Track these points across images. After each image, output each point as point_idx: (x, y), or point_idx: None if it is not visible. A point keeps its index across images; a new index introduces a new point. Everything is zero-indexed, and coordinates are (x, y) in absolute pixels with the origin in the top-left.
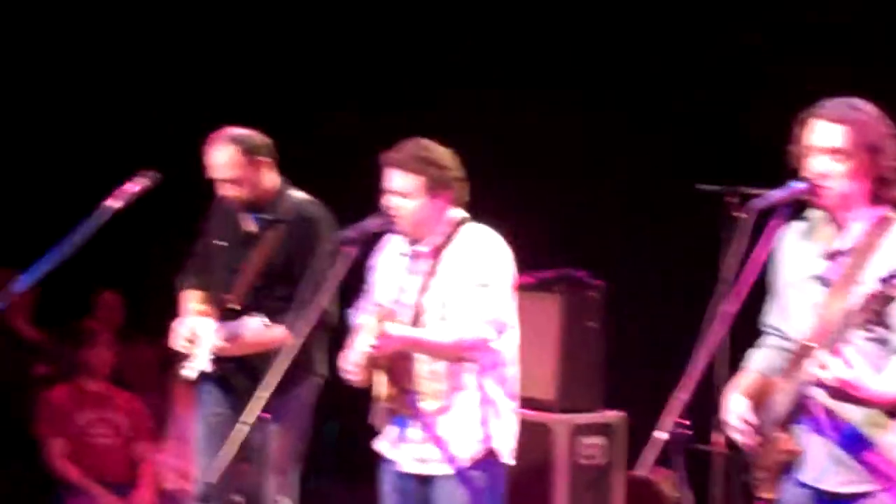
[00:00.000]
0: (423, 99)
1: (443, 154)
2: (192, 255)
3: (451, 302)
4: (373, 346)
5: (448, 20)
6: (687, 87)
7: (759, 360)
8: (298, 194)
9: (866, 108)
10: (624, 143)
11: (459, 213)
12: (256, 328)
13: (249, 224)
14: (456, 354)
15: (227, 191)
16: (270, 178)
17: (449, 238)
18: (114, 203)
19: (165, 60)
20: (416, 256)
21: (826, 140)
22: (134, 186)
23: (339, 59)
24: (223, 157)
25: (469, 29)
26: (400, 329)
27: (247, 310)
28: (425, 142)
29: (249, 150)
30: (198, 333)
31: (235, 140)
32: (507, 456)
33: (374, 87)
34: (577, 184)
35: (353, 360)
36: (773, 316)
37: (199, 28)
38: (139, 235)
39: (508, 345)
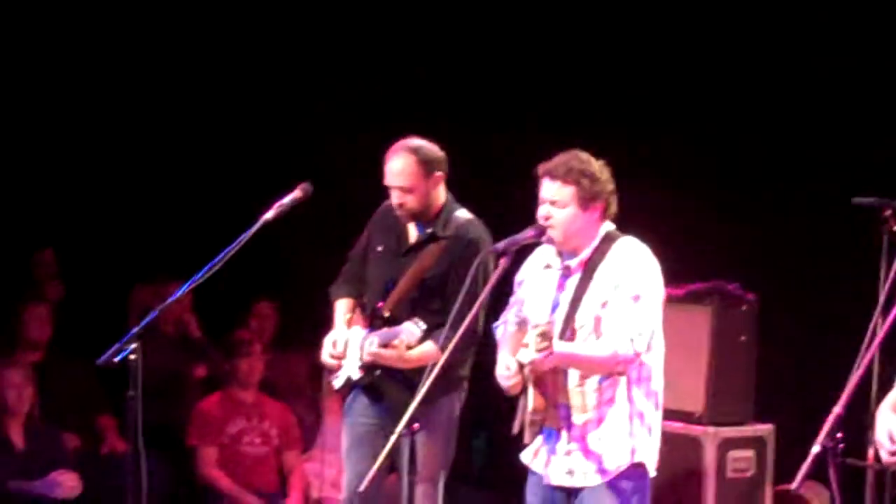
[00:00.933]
0: (575, 120)
1: (597, 166)
2: (348, 261)
3: (603, 316)
4: (533, 361)
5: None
6: (843, 99)
7: None
8: (463, 212)
9: None
10: (779, 154)
11: (610, 226)
12: (412, 335)
13: (413, 235)
14: (608, 370)
15: (398, 199)
16: (440, 193)
17: (600, 251)
18: (269, 214)
19: (324, 75)
20: (567, 270)
21: None
22: (289, 198)
23: (507, 79)
24: (401, 165)
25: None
26: (561, 345)
27: (398, 320)
28: (581, 153)
29: (427, 162)
30: (348, 343)
31: (415, 150)
32: (652, 468)
33: (541, 108)
34: (731, 195)
35: (510, 372)
36: None
37: (362, 44)
38: (294, 245)
39: (656, 358)
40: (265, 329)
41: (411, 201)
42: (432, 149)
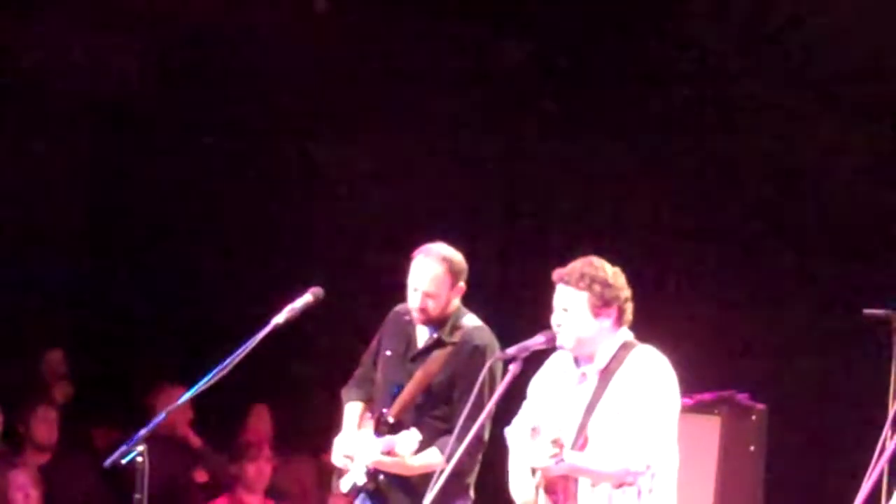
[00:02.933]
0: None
1: (610, 272)
2: (361, 364)
3: (617, 427)
4: (544, 469)
5: None
6: (849, 213)
7: None
8: (471, 318)
9: None
10: (790, 267)
11: (626, 333)
12: (409, 445)
13: (421, 340)
14: (619, 480)
15: (420, 303)
16: (456, 302)
17: (617, 360)
18: (281, 318)
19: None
20: (583, 377)
21: None
22: (300, 302)
23: None
24: (432, 271)
25: None
26: (572, 455)
27: (403, 426)
28: (595, 259)
29: (455, 273)
30: (356, 447)
31: (447, 259)
32: None
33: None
34: (740, 307)
35: (524, 483)
36: None
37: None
38: (302, 348)
39: (670, 470)
40: (264, 431)
41: (433, 307)
42: (460, 259)
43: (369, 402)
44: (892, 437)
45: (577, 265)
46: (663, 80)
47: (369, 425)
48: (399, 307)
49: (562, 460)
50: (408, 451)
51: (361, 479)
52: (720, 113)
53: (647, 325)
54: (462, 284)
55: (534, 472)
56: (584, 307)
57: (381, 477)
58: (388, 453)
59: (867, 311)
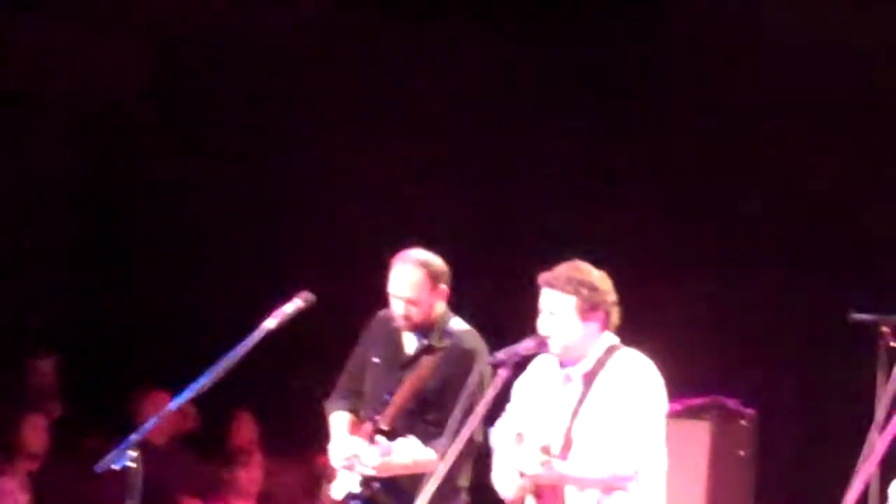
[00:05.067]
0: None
1: (596, 276)
2: (345, 372)
3: (603, 430)
4: (532, 476)
5: None
6: (840, 217)
7: None
8: (458, 322)
9: None
10: (778, 270)
11: (612, 337)
12: (408, 450)
13: (409, 346)
14: (608, 486)
15: (404, 310)
16: (440, 305)
17: (601, 363)
18: (272, 323)
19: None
20: (567, 380)
21: None
22: (290, 306)
23: None
24: (411, 277)
25: None
26: (561, 465)
27: (397, 432)
28: (580, 263)
29: (434, 276)
30: (353, 453)
31: (425, 263)
32: None
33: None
34: (731, 310)
35: (510, 481)
36: None
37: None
38: (287, 354)
39: (658, 473)
40: (248, 437)
41: (416, 313)
42: (439, 262)
43: (355, 413)
44: (879, 441)
45: (564, 269)
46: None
47: (361, 434)
48: (382, 313)
49: (551, 468)
50: (408, 458)
51: (356, 487)
52: (717, 120)
53: (635, 330)
54: (444, 287)
55: (521, 474)
56: (572, 311)
57: (376, 484)
58: (384, 461)
59: (854, 315)
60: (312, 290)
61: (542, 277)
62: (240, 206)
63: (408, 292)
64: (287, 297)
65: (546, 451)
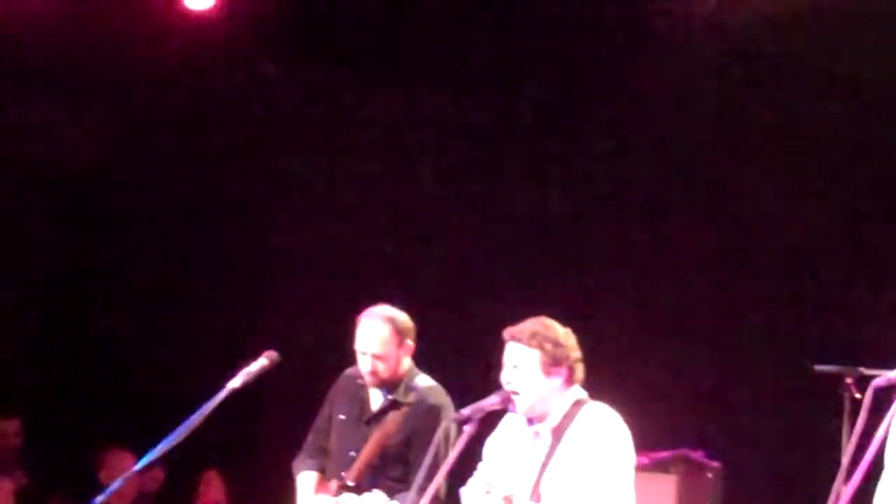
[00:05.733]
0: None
1: (561, 332)
2: (312, 431)
3: (571, 484)
4: None
5: None
6: (801, 266)
7: None
8: (424, 378)
9: None
10: (743, 320)
11: (579, 391)
12: None
13: (375, 402)
14: None
15: (370, 366)
16: (406, 361)
17: (569, 417)
18: (236, 383)
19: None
20: (536, 437)
21: None
22: (255, 366)
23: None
24: (377, 333)
25: None
26: None
27: (362, 488)
28: (545, 319)
29: (401, 332)
30: None
31: (391, 319)
32: None
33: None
34: (694, 364)
35: None
36: (887, 495)
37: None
38: (251, 414)
39: None
40: (217, 499)
41: (383, 369)
42: (405, 318)
43: (322, 471)
44: (844, 491)
45: (529, 324)
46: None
47: (327, 491)
48: (348, 371)
49: None
50: None
51: None
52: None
53: (601, 383)
54: (410, 343)
55: None
56: (535, 365)
57: None
58: None
59: (819, 367)
60: (277, 349)
61: (508, 331)
62: (203, 265)
63: (374, 348)
64: (252, 356)
65: (509, 501)
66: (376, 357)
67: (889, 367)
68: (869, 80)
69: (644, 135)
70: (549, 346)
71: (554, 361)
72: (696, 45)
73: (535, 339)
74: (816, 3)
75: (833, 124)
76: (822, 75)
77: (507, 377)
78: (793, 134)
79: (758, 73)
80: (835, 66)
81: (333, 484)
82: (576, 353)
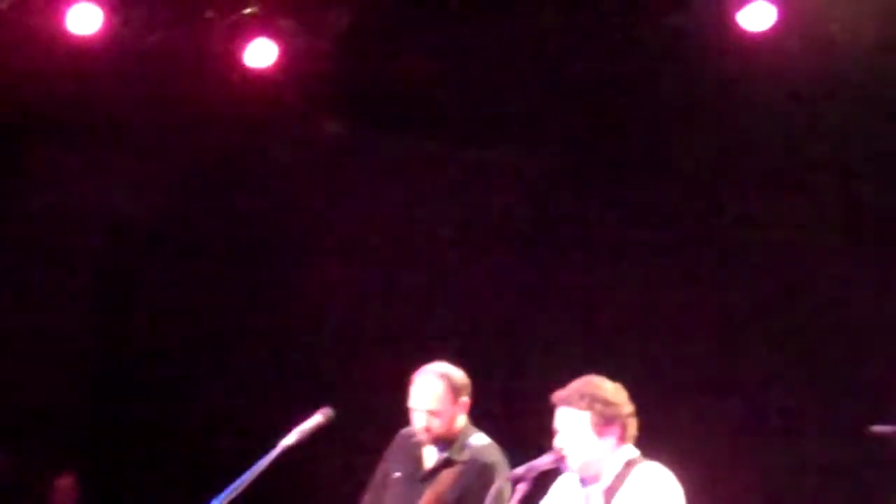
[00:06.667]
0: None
1: (610, 389)
2: (368, 489)
3: None
4: None
5: None
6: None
7: None
8: (480, 437)
9: None
10: (799, 390)
11: (631, 450)
12: None
13: (430, 460)
14: None
15: (425, 422)
16: (462, 419)
17: (620, 479)
18: (290, 440)
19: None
20: (587, 501)
21: None
22: (310, 423)
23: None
24: (432, 389)
25: None
26: None
27: None
28: (594, 378)
29: (456, 389)
30: None
31: (446, 376)
32: None
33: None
34: (749, 427)
35: None
36: None
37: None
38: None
39: None
40: None
41: (437, 425)
42: (460, 375)
43: None
44: None
45: (577, 385)
46: None
47: None
48: (404, 430)
49: None
50: None
51: None
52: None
53: (655, 443)
54: (465, 399)
55: None
56: (587, 427)
57: None
58: None
59: (875, 427)
60: (332, 405)
61: (556, 396)
62: (257, 333)
63: (429, 404)
64: (307, 414)
65: None
66: (430, 413)
67: None
68: None
69: None
70: (599, 406)
71: (606, 421)
72: None
73: (585, 401)
74: None
75: None
76: None
77: (560, 442)
78: None
79: None
80: None
81: None
82: (627, 409)
